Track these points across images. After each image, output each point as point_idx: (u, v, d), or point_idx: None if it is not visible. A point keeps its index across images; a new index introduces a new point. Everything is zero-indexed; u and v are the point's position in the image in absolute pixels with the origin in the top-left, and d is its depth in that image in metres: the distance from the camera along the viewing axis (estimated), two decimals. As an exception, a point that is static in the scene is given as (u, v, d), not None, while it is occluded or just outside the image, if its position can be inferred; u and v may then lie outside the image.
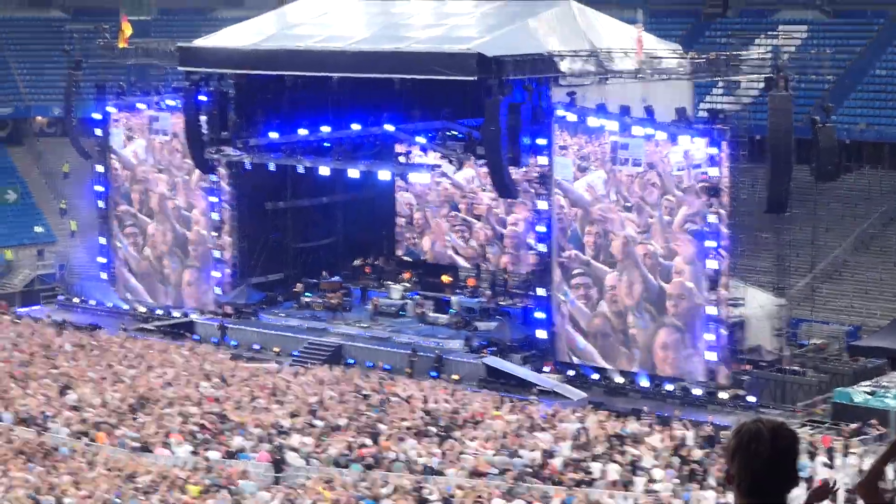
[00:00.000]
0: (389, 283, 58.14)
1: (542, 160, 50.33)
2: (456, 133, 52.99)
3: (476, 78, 48.85)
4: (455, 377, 49.59)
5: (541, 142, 50.02)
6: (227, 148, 56.88)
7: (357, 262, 60.00)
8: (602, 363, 49.42)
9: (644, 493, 35.79)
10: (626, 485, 36.18)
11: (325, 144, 55.71)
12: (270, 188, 58.97)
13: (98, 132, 62.90)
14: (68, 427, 40.47)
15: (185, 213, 60.37)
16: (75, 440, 39.30)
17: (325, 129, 55.16)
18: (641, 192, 48.14)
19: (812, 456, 38.92)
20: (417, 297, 56.47)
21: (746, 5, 73.80)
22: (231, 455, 38.39)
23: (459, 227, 59.74)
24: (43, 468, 35.90)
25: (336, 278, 58.59)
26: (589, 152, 49.21)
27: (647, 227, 48.03)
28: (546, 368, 50.00)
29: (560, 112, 49.71)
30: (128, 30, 61.43)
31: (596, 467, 37.18)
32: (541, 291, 51.18)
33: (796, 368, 48.28)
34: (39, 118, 78.39)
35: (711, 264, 46.74)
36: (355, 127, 54.89)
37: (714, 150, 46.58)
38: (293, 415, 42.36)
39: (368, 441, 39.52)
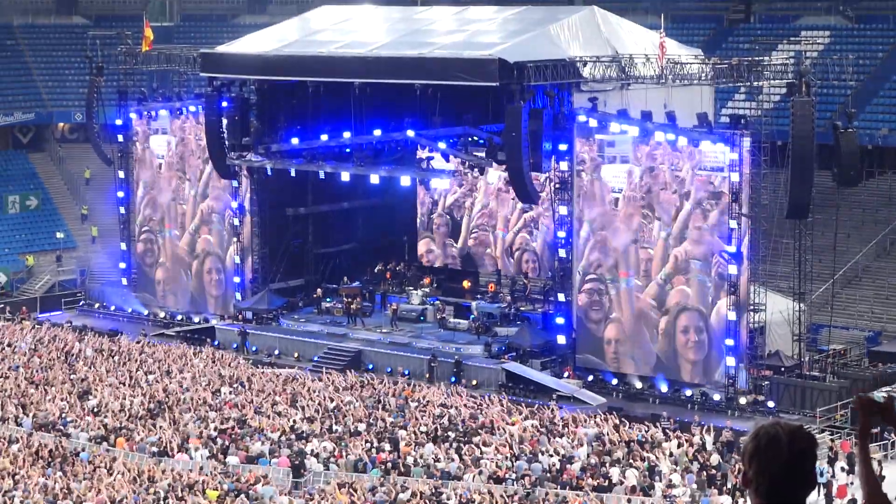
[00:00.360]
0: (410, 288, 58.12)
1: (563, 166, 50.31)
2: (477, 139, 52.97)
3: (497, 84, 48.88)
4: (474, 382, 49.58)
5: (562, 147, 49.98)
6: (249, 154, 57.02)
7: (377, 268, 59.98)
8: (620, 368, 49.34)
9: (663, 499, 35.72)
10: (645, 490, 36.12)
11: (347, 150, 55.71)
12: (291, 194, 59.05)
13: (120, 138, 63.09)
14: (88, 432, 40.57)
15: (206, 218, 60.46)
16: (95, 445, 39.39)
17: (347, 134, 55.19)
18: (661, 196, 48.04)
19: (832, 461, 38.85)
20: (437, 302, 56.45)
21: (769, 11, 73.65)
22: (251, 460, 38.43)
23: (481, 232, 59.71)
24: (62, 473, 35.99)
25: (356, 284, 58.63)
26: (614, 154, 49.21)
27: (666, 232, 47.91)
28: (565, 374, 49.93)
29: (581, 118, 49.66)
30: (150, 34, 61.71)
31: (615, 472, 37.13)
32: (561, 297, 51.14)
33: (816, 374, 48.12)
34: (61, 124, 78.54)
35: (731, 269, 46.63)
36: (376, 133, 54.89)
37: (735, 156, 46.49)
38: (312, 420, 42.39)
39: (387, 446, 39.55)
